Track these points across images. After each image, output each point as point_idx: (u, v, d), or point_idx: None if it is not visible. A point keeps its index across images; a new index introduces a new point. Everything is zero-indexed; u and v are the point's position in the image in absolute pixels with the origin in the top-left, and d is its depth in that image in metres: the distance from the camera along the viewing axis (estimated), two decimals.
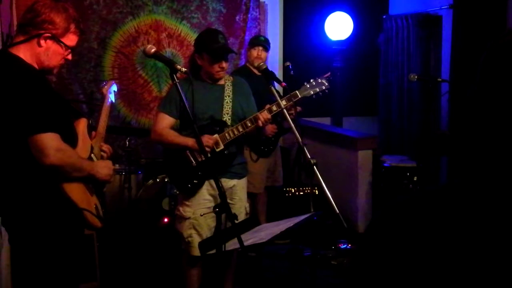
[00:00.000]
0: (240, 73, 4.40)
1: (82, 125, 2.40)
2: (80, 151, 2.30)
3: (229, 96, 3.24)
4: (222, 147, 3.13)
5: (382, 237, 0.78)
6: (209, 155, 2.89)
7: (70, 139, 2.24)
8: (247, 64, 4.64)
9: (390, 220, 0.79)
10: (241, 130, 3.13)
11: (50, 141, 2.08)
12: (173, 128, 3.27)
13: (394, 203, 0.81)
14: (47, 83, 2.24)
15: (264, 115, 3.07)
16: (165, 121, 3.20)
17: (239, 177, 3.31)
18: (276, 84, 3.26)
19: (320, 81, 3.13)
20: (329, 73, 3.32)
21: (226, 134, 3.13)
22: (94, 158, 2.43)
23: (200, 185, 3.18)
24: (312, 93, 3.12)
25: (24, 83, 2.10)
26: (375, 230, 0.81)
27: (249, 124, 3.12)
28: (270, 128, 4.37)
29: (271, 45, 4.75)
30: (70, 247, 2.28)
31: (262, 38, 4.73)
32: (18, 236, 2.23)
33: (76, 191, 2.23)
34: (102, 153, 2.54)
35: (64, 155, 2.14)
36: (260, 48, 4.58)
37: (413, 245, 0.74)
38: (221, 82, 3.28)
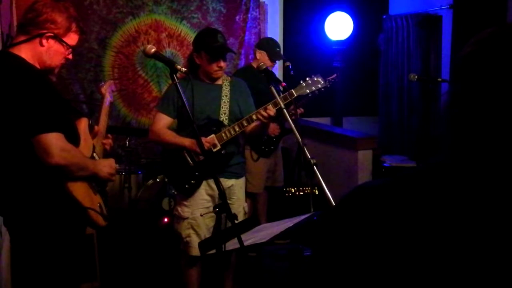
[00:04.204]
0: (245, 72, 4.39)
1: (83, 124, 2.41)
2: (82, 150, 2.31)
3: (226, 96, 3.24)
4: (219, 147, 3.13)
5: (356, 208, 0.81)
6: (206, 154, 2.89)
7: (73, 138, 2.24)
8: (252, 64, 4.63)
9: (364, 196, 0.82)
10: (237, 129, 3.12)
11: (55, 141, 2.08)
12: (171, 127, 3.27)
13: (370, 184, 0.85)
14: (49, 83, 2.24)
15: (269, 110, 2.99)
16: (163, 121, 3.20)
17: (237, 176, 3.31)
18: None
19: (316, 79, 3.12)
20: (335, 75, 3.32)
21: (223, 134, 3.13)
22: (96, 158, 2.44)
23: (197, 186, 3.18)
24: (308, 91, 3.10)
25: (27, 83, 2.10)
26: (351, 199, 0.83)
27: (245, 124, 3.11)
28: (273, 127, 4.37)
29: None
30: (73, 246, 2.28)
31: (278, 50, 4.57)
32: (21, 236, 2.22)
33: (80, 190, 2.23)
34: (105, 145, 2.55)
35: (69, 154, 2.14)
36: None
37: (386, 221, 0.76)
38: (219, 82, 3.28)
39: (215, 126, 3.17)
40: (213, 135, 3.13)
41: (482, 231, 0.72)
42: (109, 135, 2.68)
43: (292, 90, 3.09)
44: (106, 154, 2.61)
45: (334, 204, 2.23)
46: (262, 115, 3.01)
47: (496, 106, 0.74)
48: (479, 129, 0.76)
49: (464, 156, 0.77)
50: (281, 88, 3.66)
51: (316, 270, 0.82)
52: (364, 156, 5.20)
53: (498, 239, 0.71)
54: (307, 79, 3.12)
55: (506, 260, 0.70)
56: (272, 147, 4.62)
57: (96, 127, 2.58)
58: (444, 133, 0.81)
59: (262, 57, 4.47)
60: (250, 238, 2.37)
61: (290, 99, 3.06)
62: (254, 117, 3.08)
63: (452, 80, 0.83)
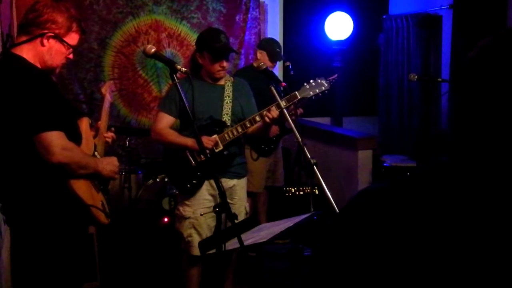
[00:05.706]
0: (245, 72, 4.39)
1: (84, 124, 2.42)
2: (84, 149, 2.32)
3: (229, 96, 3.24)
4: (221, 147, 3.13)
5: (363, 214, 0.81)
6: (208, 155, 2.89)
7: (75, 137, 2.25)
8: (254, 64, 4.61)
9: (369, 201, 0.82)
10: (240, 130, 3.12)
11: (56, 139, 2.10)
12: (173, 127, 3.27)
13: (373, 189, 0.85)
14: (51, 82, 2.25)
15: (273, 112, 2.98)
16: (165, 121, 3.20)
17: (239, 177, 3.31)
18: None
19: (319, 81, 3.12)
20: (335, 75, 3.28)
21: (226, 135, 3.13)
22: (98, 157, 2.45)
23: (199, 185, 3.18)
24: (311, 94, 3.10)
25: (29, 83, 2.11)
26: (357, 205, 0.83)
27: (248, 125, 3.11)
28: (273, 128, 4.36)
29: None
30: (75, 245, 2.29)
31: (278, 50, 4.53)
32: (23, 236, 2.22)
33: (82, 188, 2.24)
34: (107, 139, 2.57)
35: (70, 153, 2.16)
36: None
37: (393, 224, 0.76)
38: (221, 82, 3.27)
39: (218, 126, 3.17)
40: (215, 136, 3.13)
41: (486, 233, 0.72)
42: (112, 129, 2.70)
43: (296, 92, 3.08)
44: (107, 153, 2.62)
45: (334, 204, 2.23)
46: (265, 117, 3.01)
47: (498, 111, 0.74)
48: (482, 133, 0.76)
49: (467, 159, 0.78)
50: (281, 88, 3.66)
51: (322, 274, 0.82)
52: (364, 156, 5.20)
53: (505, 242, 0.71)
54: (311, 81, 3.12)
55: None
56: (272, 147, 4.61)
57: (97, 123, 2.59)
58: (450, 137, 0.81)
59: (262, 57, 4.48)
60: (250, 238, 2.37)
61: (293, 102, 3.06)
62: (257, 118, 3.08)
63: (455, 86, 0.84)
